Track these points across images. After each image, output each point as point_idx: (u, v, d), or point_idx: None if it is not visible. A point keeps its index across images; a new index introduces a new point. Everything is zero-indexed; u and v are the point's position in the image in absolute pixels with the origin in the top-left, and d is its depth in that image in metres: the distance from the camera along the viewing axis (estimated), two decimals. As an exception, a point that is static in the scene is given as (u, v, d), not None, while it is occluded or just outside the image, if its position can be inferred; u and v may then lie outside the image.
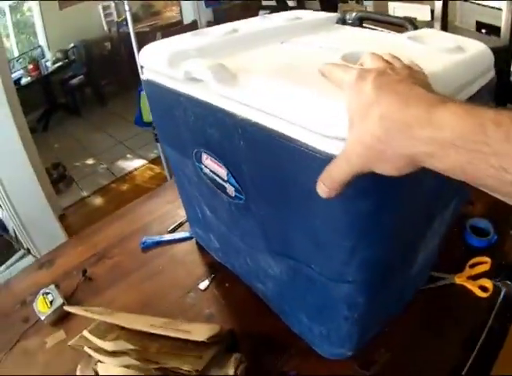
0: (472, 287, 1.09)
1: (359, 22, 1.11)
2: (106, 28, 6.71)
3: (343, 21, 1.11)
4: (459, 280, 1.12)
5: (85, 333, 0.86)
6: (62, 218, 3.31)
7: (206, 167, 0.91)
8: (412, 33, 0.93)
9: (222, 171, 0.85)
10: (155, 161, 4.52)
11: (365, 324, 0.90)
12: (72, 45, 6.26)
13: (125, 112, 5.68)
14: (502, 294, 1.07)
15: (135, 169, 4.55)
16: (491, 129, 0.40)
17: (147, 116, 3.44)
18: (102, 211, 3.69)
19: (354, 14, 1.11)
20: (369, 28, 1.11)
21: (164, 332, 0.85)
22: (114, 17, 6.65)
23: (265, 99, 0.67)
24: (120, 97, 6.42)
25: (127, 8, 2.85)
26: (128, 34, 3.06)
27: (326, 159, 0.58)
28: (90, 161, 4.80)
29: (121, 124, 5.57)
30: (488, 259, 1.14)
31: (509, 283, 1.09)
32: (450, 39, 0.86)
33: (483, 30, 3.24)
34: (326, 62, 0.65)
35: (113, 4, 6.46)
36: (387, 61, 0.60)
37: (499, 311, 1.03)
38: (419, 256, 0.94)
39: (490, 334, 0.98)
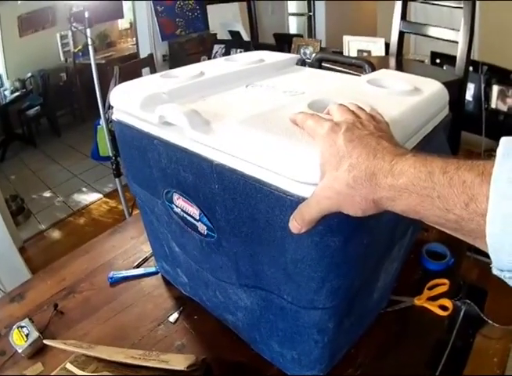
0: (432, 307, 1.15)
1: (319, 63, 1.17)
2: (62, 58, 6.67)
3: (303, 62, 1.16)
4: (418, 301, 1.17)
5: (68, 365, 0.88)
6: (21, 250, 3.27)
7: (177, 206, 0.93)
8: (370, 75, 1.00)
9: (194, 211, 0.88)
10: (110, 195, 4.53)
11: (334, 347, 0.94)
12: (29, 74, 6.21)
13: (80, 144, 5.67)
14: (462, 312, 1.12)
15: (91, 203, 4.52)
16: (437, 176, 0.48)
17: (103, 150, 3.43)
18: (61, 245, 3.67)
19: (313, 55, 1.17)
20: (328, 68, 1.17)
21: (146, 363, 0.87)
22: (71, 47, 6.61)
23: (239, 146, 0.72)
24: (75, 129, 6.41)
25: (89, 41, 2.87)
26: (84, 65, 3.07)
27: (297, 201, 0.65)
28: (47, 194, 4.75)
29: (76, 156, 5.55)
30: (445, 281, 1.20)
31: (468, 301, 1.14)
32: (407, 80, 0.93)
33: (437, 60, 3.36)
34: (296, 111, 0.72)
35: (70, 33, 6.42)
36: (353, 112, 0.67)
37: (461, 329, 1.08)
38: (380, 281, 0.99)
39: (454, 351, 1.03)
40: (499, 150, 0.45)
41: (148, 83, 1.03)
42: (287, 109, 0.76)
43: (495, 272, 0.46)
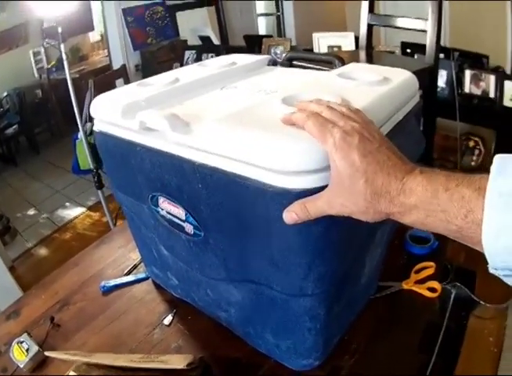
0: (420, 289, 1.18)
1: (289, 61, 1.20)
2: (36, 75, 6.63)
3: (274, 62, 1.19)
4: (406, 285, 1.20)
5: (71, 373, 0.89)
6: (11, 270, 3.26)
7: (163, 209, 0.95)
8: (340, 69, 1.03)
9: (180, 212, 0.90)
10: (93, 208, 4.52)
11: (327, 334, 0.97)
12: (5, 93, 6.17)
13: (60, 160, 5.62)
14: (452, 295, 1.15)
15: (75, 217, 4.51)
16: (441, 193, 0.55)
17: (84, 163, 3.43)
18: (49, 261, 3.64)
19: (281, 55, 1.19)
20: (299, 66, 1.20)
21: (147, 365, 0.89)
22: (44, 63, 6.57)
23: (218, 143, 0.74)
24: (54, 145, 6.34)
25: (64, 56, 2.87)
26: (59, 80, 3.05)
27: (280, 192, 0.69)
28: (31, 212, 4.73)
29: (57, 172, 5.50)
30: (431, 263, 1.22)
31: (458, 284, 1.17)
32: (376, 71, 0.96)
33: (408, 50, 3.40)
34: (270, 107, 0.78)
35: (43, 50, 6.39)
36: (343, 113, 0.69)
37: (453, 312, 1.11)
38: (366, 267, 1.02)
39: (448, 334, 1.05)
40: (493, 167, 0.52)
41: (126, 92, 1.05)
42: (262, 106, 0.81)
43: (491, 271, 0.53)
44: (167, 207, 0.93)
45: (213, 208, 0.82)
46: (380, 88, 0.88)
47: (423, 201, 0.57)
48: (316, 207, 0.67)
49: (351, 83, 0.92)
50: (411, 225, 0.62)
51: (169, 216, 0.94)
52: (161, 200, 0.94)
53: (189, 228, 0.91)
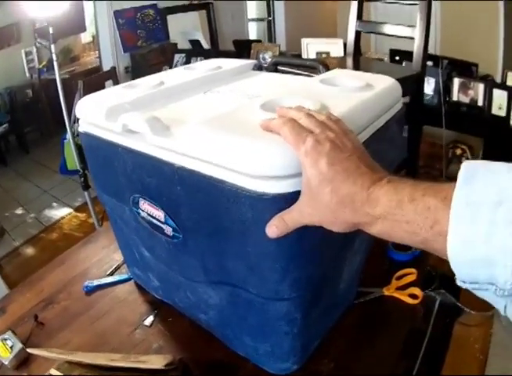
0: (401, 296, 1.18)
1: (274, 66, 1.21)
2: (27, 74, 6.62)
3: (259, 67, 1.21)
4: (387, 292, 1.20)
5: (53, 371, 0.90)
6: (-2, 268, 3.27)
7: (143, 211, 0.96)
8: (324, 75, 1.04)
9: (160, 214, 0.90)
10: (80, 209, 4.51)
11: (305, 338, 0.98)
12: (-3, 93, 6.17)
13: (48, 160, 5.60)
14: (437, 302, 1.15)
15: (62, 218, 4.51)
16: (406, 204, 0.54)
17: (71, 164, 3.44)
18: (36, 261, 3.64)
19: (269, 60, 1.21)
20: (284, 71, 1.21)
21: (125, 364, 0.90)
22: (36, 63, 6.55)
23: (197, 147, 0.75)
24: (43, 145, 6.32)
25: (54, 57, 2.87)
26: (49, 80, 3.06)
27: (254, 196, 0.69)
28: (19, 211, 4.72)
29: (45, 172, 5.49)
30: (413, 270, 1.22)
31: (443, 291, 1.17)
32: (359, 78, 0.97)
33: (397, 57, 3.43)
34: (249, 112, 0.78)
35: (34, 49, 6.38)
36: (322, 122, 0.69)
37: (438, 319, 1.11)
38: (344, 272, 1.03)
39: (432, 341, 1.05)
40: (460, 175, 0.50)
41: (111, 94, 1.06)
42: (242, 111, 0.81)
43: (458, 283, 0.52)
44: (148, 208, 0.94)
45: (191, 210, 0.83)
46: (361, 94, 0.89)
47: (388, 212, 0.56)
48: (292, 218, 0.68)
49: (332, 89, 0.93)
50: (378, 236, 0.61)
51: (149, 218, 0.95)
52: (142, 201, 0.94)
53: (168, 230, 0.91)
